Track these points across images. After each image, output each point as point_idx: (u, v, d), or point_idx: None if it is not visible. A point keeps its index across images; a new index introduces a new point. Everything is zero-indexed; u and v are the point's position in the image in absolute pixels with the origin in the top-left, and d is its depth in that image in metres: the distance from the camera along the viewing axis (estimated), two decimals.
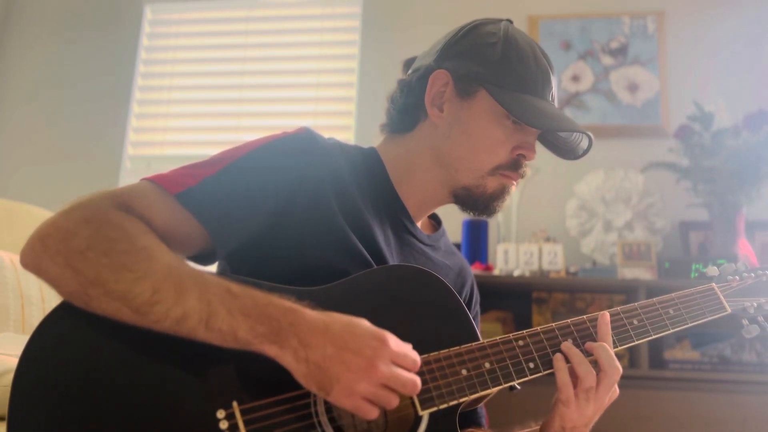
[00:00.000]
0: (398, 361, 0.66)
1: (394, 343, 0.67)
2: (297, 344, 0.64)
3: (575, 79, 2.37)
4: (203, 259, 0.82)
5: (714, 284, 0.97)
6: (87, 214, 0.69)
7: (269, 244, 0.81)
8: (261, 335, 0.65)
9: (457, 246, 2.09)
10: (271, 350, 0.65)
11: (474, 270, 1.98)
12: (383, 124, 0.98)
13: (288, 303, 0.67)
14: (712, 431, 1.64)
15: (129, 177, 2.54)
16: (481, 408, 1.00)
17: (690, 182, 1.99)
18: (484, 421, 1.02)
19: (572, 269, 1.99)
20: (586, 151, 0.94)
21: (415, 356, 0.68)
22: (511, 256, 2.01)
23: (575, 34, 2.41)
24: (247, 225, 0.79)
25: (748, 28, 2.32)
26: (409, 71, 0.97)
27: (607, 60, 2.37)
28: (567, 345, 0.81)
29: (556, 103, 0.93)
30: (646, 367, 1.75)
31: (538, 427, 0.86)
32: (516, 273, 1.97)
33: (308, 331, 0.65)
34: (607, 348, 0.80)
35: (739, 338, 1.80)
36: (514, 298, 2.04)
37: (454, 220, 2.14)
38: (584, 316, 0.86)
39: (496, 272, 2.00)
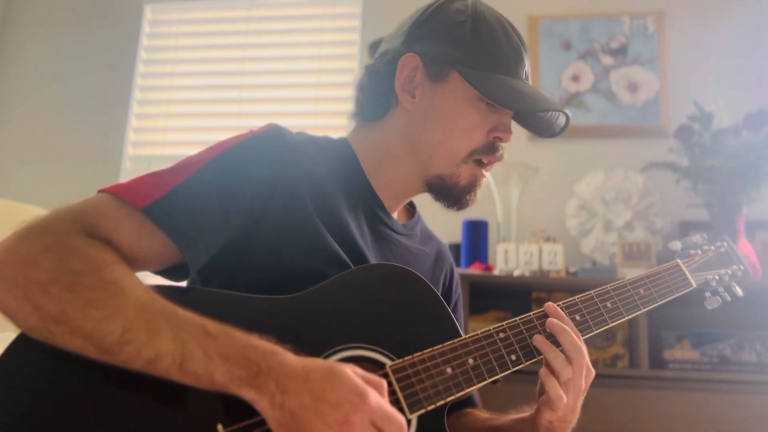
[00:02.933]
0: (378, 422, 0.62)
1: (376, 401, 0.62)
2: (274, 389, 0.61)
3: (575, 79, 2.37)
4: (174, 273, 0.79)
5: (679, 260, 0.99)
6: (48, 242, 0.64)
7: (245, 250, 0.77)
8: (238, 378, 0.61)
9: (457, 246, 2.09)
10: (248, 394, 0.62)
11: (474, 270, 1.98)
12: (353, 112, 0.94)
13: (268, 345, 0.64)
14: (712, 431, 1.64)
15: (129, 177, 2.52)
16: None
17: (690, 182, 1.99)
18: (477, 400, 1.02)
19: (572, 269, 1.99)
20: (563, 129, 0.92)
21: (400, 420, 0.63)
22: (511, 256, 2.01)
23: (575, 34, 2.41)
24: (219, 236, 0.75)
25: (749, 28, 2.32)
26: (376, 55, 0.94)
27: (607, 60, 2.37)
28: (539, 339, 0.80)
29: (530, 81, 0.90)
30: (646, 367, 1.75)
31: (529, 414, 0.85)
32: (516, 273, 1.97)
33: (287, 377, 0.62)
34: (569, 332, 0.79)
35: (739, 338, 1.80)
36: (514, 298, 2.04)
37: (454, 220, 2.15)
38: (561, 302, 0.86)
39: (496, 272, 2.00)
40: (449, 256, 1.05)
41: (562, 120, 0.92)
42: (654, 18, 2.38)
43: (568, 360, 0.78)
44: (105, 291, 0.62)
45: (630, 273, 1.93)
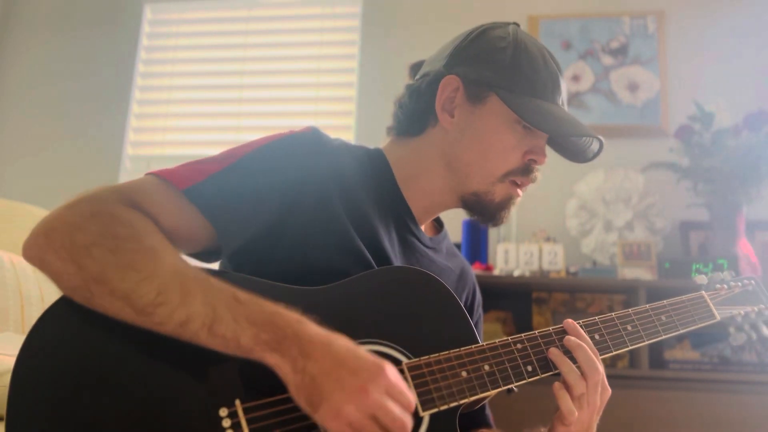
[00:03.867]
0: (393, 394, 0.64)
1: (393, 375, 0.64)
2: (297, 354, 0.63)
3: (575, 79, 2.37)
4: (208, 255, 0.82)
5: (704, 292, 0.99)
6: (94, 209, 0.68)
7: (272, 243, 0.81)
8: (263, 343, 0.64)
9: (457, 246, 2.09)
10: (271, 358, 0.64)
11: (474, 270, 1.98)
12: (390, 126, 0.98)
13: (295, 314, 0.66)
14: (712, 431, 1.64)
15: (129, 177, 2.54)
16: (487, 408, 1.00)
17: (690, 182, 1.99)
18: (491, 421, 1.03)
19: (572, 269, 1.99)
20: (596, 154, 0.95)
21: (411, 397, 0.65)
22: (511, 256, 2.01)
23: (575, 34, 2.41)
24: (252, 223, 0.79)
25: (748, 28, 2.32)
26: (417, 76, 0.97)
27: (607, 60, 2.37)
28: (555, 352, 0.81)
29: (566, 107, 0.93)
30: (646, 367, 1.75)
31: (546, 430, 0.86)
32: (516, 273, 1.97)
33: (310, 343, 0.64)
34: (585, 348, 0.80)
35: None
36: (514, 298, 2.04)
37: (454, 220, 2.14)
38: (581, 321, 0.86)
39: (496, 272, 2.00)
40: (473, 276, 1.07)
41: (595, 146, 0.94)
42: (654, 18, 2.38)
43: (583, 375, 0.79)
44: (143, 255, 0.66)
45: (630, 273, 1.93)
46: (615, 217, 2.10)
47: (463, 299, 1.01)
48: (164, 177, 0.76)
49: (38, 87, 2.72)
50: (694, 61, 2.33)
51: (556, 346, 0.82)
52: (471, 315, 1.03)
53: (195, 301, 0.64)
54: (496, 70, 0.88)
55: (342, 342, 0.65)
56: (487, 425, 1.01)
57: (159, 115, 2.68)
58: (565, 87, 0.92)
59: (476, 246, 2.07)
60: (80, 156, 2.59)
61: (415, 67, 1.00)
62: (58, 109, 2.67)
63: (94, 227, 0.66)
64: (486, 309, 2.03)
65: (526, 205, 2.21)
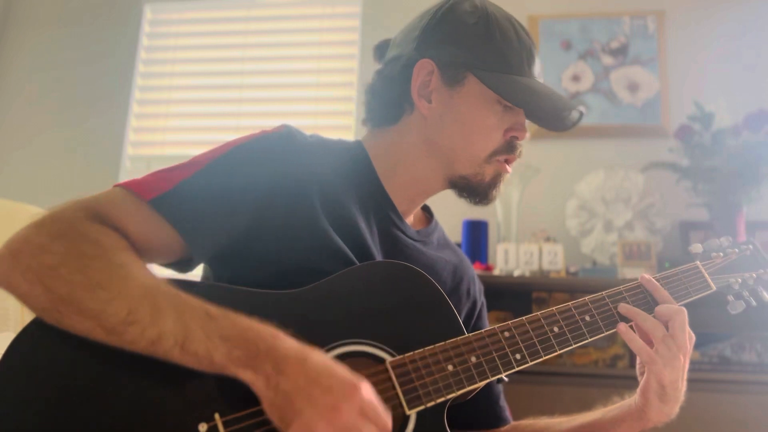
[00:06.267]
0: (368, 413, 0.62)
1: (367, 392, 0.63)
2: (271, 370, 0.62)
3: (575, 79, 2.37)
4: (183, 265, 0.79)
5: (698, 262, 0.96)
6: (61, 228, 0.67)
7: (250, 247, 0.78)
8: (236, 359, 0.63)
9: (458, 246, 2.09)
10: (245, 375, 0.63)
11: (474, 270, 1.98)
12: (365, 118, 0.95)
13: (269, 329, 0.65)
14: (711, 431, 1.64)
15: (129, 177, 2.53)
16: (502, 400, 0.99)
17: (690, 182, 1.99)
18: (508, 415, 1.01)
19: (572, 269, 1.99)
20: (576, 123, 0.93)
21: (387, 418, 0.64)
22: (511, 256, 2.01)
23: (575, 34, 2.40)
24: (224, 230, 0.76)
25: (749, 28, 2.32)
26: (386, 60, 0.94)
27: (607, 60, 2.37)
28: (625, 306, 0.84)
29: (542, 79, 0.91)
30: None
31: (623, 410, 0.87)
32: (516, 273, 1.97)
33: (284, 359, 0.63)
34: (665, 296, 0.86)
35: (739, 338, 1.79)
36: (514, 298, 2.04)
37: (454, 220, 2.15)
38: (569, 303, 0.85)
39: (496, 272, 2.00)
40: (470, 266, 1.05)
41: (575, 114, 0.92)
42: (654, 18, 2.38)
43: (666, 318, 0.83)
44: (112, 274, 0.64)
45: (630, 273, 1.93)
46: (615, 217, 2.10)
47: (464, 287, 1.00)
48: (130, 188, 0.73)
49: (38, 87, 2.72)
50: (694, 61, 2.33)
51: (545, 331, 0.81)
52: (475, 303, 1.02)
53: (166, 319, 0.63)
54: (470, 49, 0.85)
55: (317, 357, 0.64)
56: (505, 421, 0.99)
57: (159, 115, 2.68)
58: (538, 56, 0.90)
59: (476, 246, 2.07)
60: (80, 156, 2.59)
61: (381, 48, 0.97)
62: (58, 109, 2.67)
63: (60, 247, 0.65)
64: (486, 309, 2.03)
65: (526, 205, 2.21)
